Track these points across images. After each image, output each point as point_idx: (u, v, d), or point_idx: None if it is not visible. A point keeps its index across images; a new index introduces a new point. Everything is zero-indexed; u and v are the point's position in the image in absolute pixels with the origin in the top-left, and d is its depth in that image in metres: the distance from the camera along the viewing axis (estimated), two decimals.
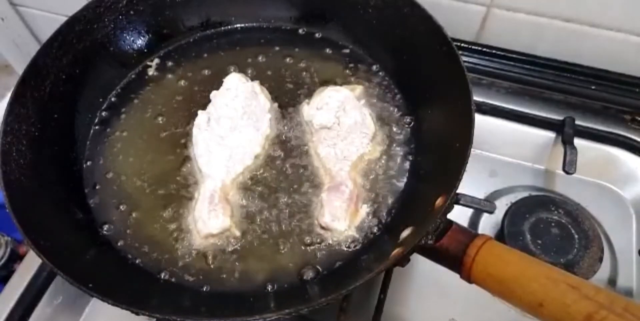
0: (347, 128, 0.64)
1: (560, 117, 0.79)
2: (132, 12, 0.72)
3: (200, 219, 0.59)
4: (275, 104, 0.70)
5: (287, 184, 0.64)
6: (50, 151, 0.62)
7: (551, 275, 0.44)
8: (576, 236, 0.68)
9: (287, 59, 0.75)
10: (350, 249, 0.59)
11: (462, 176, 0.49)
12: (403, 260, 0.51)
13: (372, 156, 0.64)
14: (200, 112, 0.67)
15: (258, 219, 0.61)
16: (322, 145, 0.64)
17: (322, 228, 0.60)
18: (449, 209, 0.51)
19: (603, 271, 0.68)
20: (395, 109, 0.69)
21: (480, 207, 0.59)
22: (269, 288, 0.56)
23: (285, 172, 0.64)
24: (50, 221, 0.56)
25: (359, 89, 0.70)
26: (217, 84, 0.71)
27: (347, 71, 0.73)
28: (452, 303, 0.67)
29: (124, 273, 0.58)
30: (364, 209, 0.61)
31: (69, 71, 0.65)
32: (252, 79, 0.71)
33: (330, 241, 0.59)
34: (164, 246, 0.60)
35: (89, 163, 0.67)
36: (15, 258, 0.74)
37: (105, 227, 0.62)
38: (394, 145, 0.66)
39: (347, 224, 0.59)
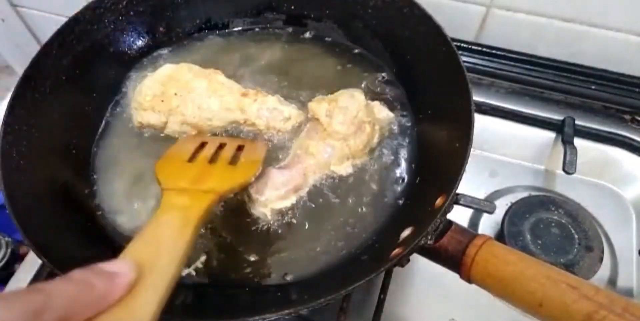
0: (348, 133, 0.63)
1: (560, 117, 0.79)
2: (132, 13, 0.72)
3: None
4: None
5: None
6: (51, 152, 0.62)
7: (551, 274, 0.44)
8: (576, 236, 0.68)
9: (287, 60, 0.75)
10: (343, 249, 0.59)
11: (462, 176, 0.50)
12: (403, 260, 0.51)
13: (357, 160, 0.64)
14: None
15: None
16: (316, 141, 0.63)
17: (248, 197, 0.60)
18: (449, 209, 0.51)
19: (603, 271, 0.68)
20: (394, 109, 0.69)
21: (480, 207, 0.59)
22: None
23: None
24: (50, 221, 0.56)
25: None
26: None
27: (347, 71, 0.73)
28: (452, 303, 0.67)
29: None
30: (292, 200, 0.61)
31: (69, 72, 0.65)
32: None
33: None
34: None
35: (90, 164, 0.67)
36: (16, 258, 0.74)
37: (107, 228, 0.62)
38: (393, 145, 0.66)
39: (267, 200, 0.59)
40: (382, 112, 0.66)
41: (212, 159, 0.57)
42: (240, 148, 0.60)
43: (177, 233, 0.43)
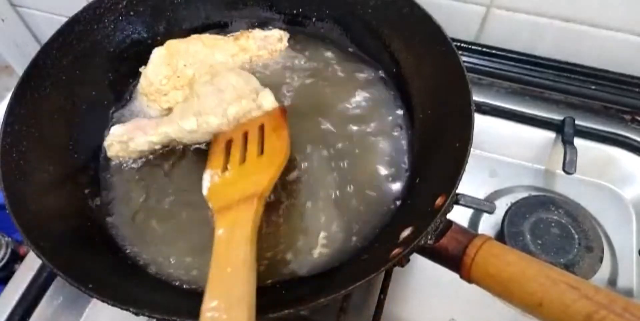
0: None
1: (560, 117, 0.79)
2: (132, 13, 0.72)
3: None
4: None
5: None
6: (51, 152, 0.62)
7: (551, 274, 0.44)
8: (576, 236, 0.68)
9: (285, 58, 0.75)
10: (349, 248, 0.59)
11: (462, 176, 0.49)
12: (403, 260, 0.51)
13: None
14: None
15: None
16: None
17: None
18: (449, 209, 0.51)
19: (603, 271, 0.68)
20: (394, 109, 0.69)
21: (480, 207, 0.59)
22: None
23: None
24: (50, 221, 0.56)
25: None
26: None
27: (346, 71, 0.73)
28: (452, 303, 0.67)
29: (124, 274, 0.58)
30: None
31: (69, 72, 0.65)
32: None
33: None
34: (162, 247, 0.60)
35: (90, 163, 0.67)
36: (16, 258, 0.74)
37: (107, 227, 0.62)
38: (393, 145, 0.66)
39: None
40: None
41: (242, 158, 0.58)
42: (261, 128, 0.60)
43: (245, 249, 0.44)
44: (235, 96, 0.62)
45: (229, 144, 0.61)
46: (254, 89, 0.64)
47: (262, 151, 0.57)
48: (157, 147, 0.65)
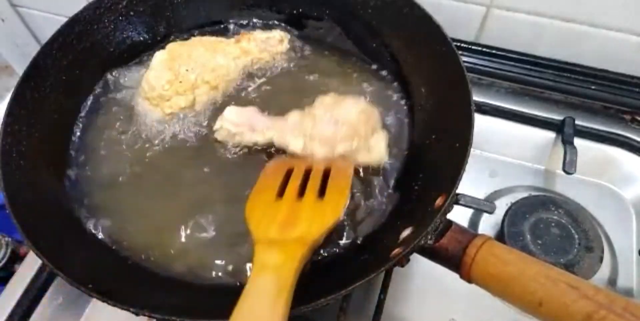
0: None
1: (560, 117, 0.79)
2: (132, 13, 0.72)
3: None
4: None
5: None
6: (51, 152, 0.62)
7: (551, 274, 0.44)
8: (576, 236, 0.69)
9: (286, 59, 0.75)
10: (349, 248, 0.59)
11: (462, 176, 0.50)
12: (403, 260, 0.51)
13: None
14: None
15: None
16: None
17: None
18: (449, 209, 0.51)
19: (603, 271, 0.68)
20: (394, 110, 0.69)
21: (480, 207, 0.59)
22: None
23: None
24: (50, 221, 0.56)
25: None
26: None
27: (346, 71, 0.73)
28: (452, 303, 0.67)
29: (124, 273, 0.58)
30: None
31: (69, 72, 0.66)
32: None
33: None
34: (162, 246, 0.60)
35: (90, 163, 0.67)
36: (16, 258, 0.74)
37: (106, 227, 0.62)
38: (394, 145, 0.66)
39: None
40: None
41: (301, 191, 0.56)
42: (325, 173, 0.58)
43: (272, 304, 0.41)
44: (350, 132, 0.60)
45: (289, 173, 0.59)
46: (371, 128, 0.62)
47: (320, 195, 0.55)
48: (257, 145, 0.64)
